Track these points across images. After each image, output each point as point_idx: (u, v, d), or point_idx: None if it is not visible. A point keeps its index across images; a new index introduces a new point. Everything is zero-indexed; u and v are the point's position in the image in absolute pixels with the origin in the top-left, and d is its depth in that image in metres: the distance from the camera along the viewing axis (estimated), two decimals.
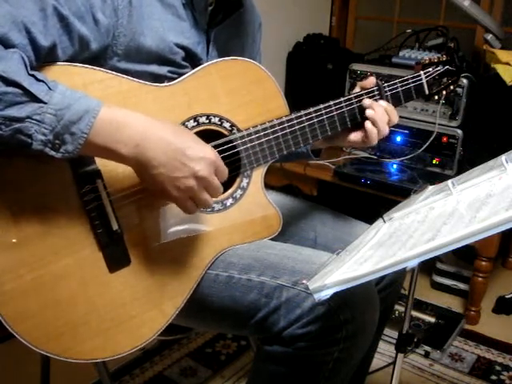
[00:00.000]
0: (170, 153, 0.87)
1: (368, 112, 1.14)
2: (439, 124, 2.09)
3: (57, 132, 0.81)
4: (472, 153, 2.11)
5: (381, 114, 1.13)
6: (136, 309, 0.97)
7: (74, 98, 0.82)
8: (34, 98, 0.80)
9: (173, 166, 0.87)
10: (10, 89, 0.78)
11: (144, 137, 0.86)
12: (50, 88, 0.81)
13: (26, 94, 0.79)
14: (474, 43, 2.63)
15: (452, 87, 1.28)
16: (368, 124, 1.13)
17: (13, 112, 0.79)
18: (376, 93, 1.17)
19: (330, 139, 1.22)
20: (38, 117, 0.80)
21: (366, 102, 1.14)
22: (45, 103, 0.80)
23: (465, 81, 2.00)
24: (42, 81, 0.81)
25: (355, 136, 1.17)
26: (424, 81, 1.22)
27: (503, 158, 0.87)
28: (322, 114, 1.12)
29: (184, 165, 0.88)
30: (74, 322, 0.92)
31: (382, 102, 1.15)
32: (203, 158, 0.89)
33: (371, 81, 1.18)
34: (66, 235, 0.91)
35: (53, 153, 0.82)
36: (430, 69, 1.24)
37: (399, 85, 1.20)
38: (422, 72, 1.22)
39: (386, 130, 1.14)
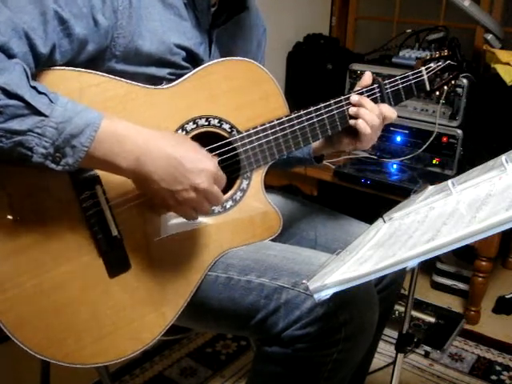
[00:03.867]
0: (170, 166, 0.87)
1: (351, 109, 1.12)
2: (439, 124, 2.09)
3: (57, 145, 0.81)
4: (472, 153, 2.11)
5: (368, 107, 1.11)
6: (136, 313, 0.97)
7: (76, 111, 0.82)
8: (36, 111, 0.79)
9: (173, 180, 0.87)
10: (12, 101, 0.78)
11: (144, 150, 0.86)
12: (51, 101, 0.81)
13: (28, 107, 0.79)
14: (474, 43, 2.63)
15: (453, 82, 1.27)
16: (352, 121, 1.12)
17: (14, 125, 0.78)
18: (377, 90, 1.16)
19: (331, 143, 1.21)
20: (39, 130, 0.79)
21: (353, 98, 1.13)
22: (46, 116, 0.80)
23: (465, 81, 2.00)
24: (44, 93, 0.81)
25: (352, 138, 1.16)
26: (425, 76, 1.21)
27: (503, 158, 0.87)
28: (322, 114, 1.11)
29: (184, 177, 0.87)
30: (75, 328, 0.92)
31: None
32: (203, 170, 0.89)
33: (367, 76, 1.17)
34: (66, 241, 0.91)
35: (53, 166, 0.82)
36: (432, 64, 1.23)
37: (400, 81, 1.18)
38: (423, 68, 1.21)
39: (375, 122, 1.11)
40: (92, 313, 0.93)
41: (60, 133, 0.80)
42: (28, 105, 0.79)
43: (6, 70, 0.78)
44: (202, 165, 0.89)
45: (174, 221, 1.01)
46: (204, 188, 0.89)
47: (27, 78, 0.80)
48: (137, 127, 0.87)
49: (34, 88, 0.80)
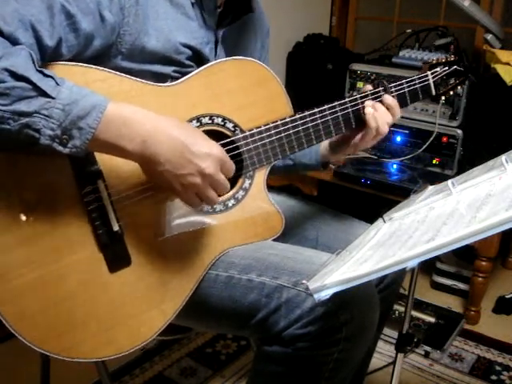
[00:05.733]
0: (177, 149, 0.87)
1: (367, 110, 1.13)
2: (439, 124, 2.09)
3: (64, 127, 0.81)
4: (472, 153, 2.11)
5: (381, 112, 1.13)
6: (136, 309, 0.97)
7: (82, 94, 0.83)
8: (43, 93, 0.80)
9: (178, 163, 0.87)
10: (19, 83, 0.78)
11: (151, 133, 0.86)
12: (57, 83, 0.82)
13: (35, 89, 0.79)
14: (474, 43, 2.63)
15: (459, 87, 1.26)
16: (368, 119, 1.13)
17: (21, 107, 0.79)
18: (382, 93, 1.16)
19: (336, 148, 1.21)
20: (46, 112, 0.80)
21: (368, 102, 1.14)
22: (53, 98, 0.80)
23: None
24: (50, 76, 0.82)
25: (356, 138, 1.16)
26: (431, 81, 1.21)
27: (503, 158, 0.87)
28: (326, 115, 1.11)
29: (190, 161, 0.88)
30: (74, 321, 0.92)
31: (387, 98, 1.14)
32: (210, 154, 0.89)
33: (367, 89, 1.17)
34: (67, 235, 0.91)
35: (60, 148, 0.82)
36: (438, 69, 1.22)
37: (406, 85, 1.18)
38: (429, 72, 1.21)
39: (385, 129, 1.13)
40: (92, 307, 0.93)
41: (67, 114, 0.81)
42: (35, 86, 0.79)
43: (13, 54, 0.79)
44: (209, 149, 0.89)
45: (178, 221, 1.01)
46: (210, 173, 0.89)
47: (33, 61, 0.81)
48: (144, 111, 0.87)
49: (41, 71, 0.81)
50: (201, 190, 0.90)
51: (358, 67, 2.25)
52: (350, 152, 1.21)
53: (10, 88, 0.78)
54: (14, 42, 0.81)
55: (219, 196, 0.95)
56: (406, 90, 1.18)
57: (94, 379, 1.65)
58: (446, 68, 1.23)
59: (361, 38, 3.02)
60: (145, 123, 0.86)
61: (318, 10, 2.91)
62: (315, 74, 2.58)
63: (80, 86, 0.84)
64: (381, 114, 1.13)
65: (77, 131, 0.82)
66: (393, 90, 1.17)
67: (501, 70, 2.08)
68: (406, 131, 2.18)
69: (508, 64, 2.08)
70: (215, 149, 0.91)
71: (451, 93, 1.26)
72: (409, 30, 2.39)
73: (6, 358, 1.76)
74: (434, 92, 1.22)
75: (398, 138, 2.21)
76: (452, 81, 1.24)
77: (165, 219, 1.00)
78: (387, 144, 2.23)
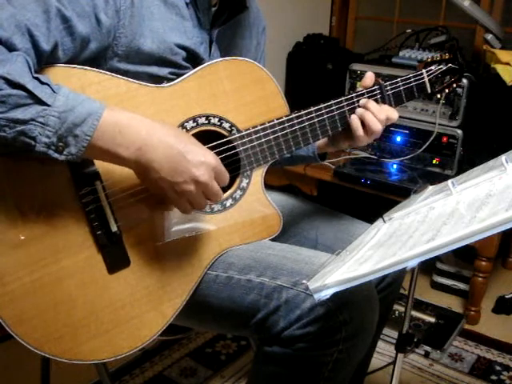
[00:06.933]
0: (171, 156, 0.87)
1: (358, 110, 1.13)
2: (439, 124, 2.09)
3: (60, 134, 0.81)
4: (472, 153, 2.11)
5: (373, 111, 1.13)
6: (135, 310, 0.97)
7: (78, 101, 0.82)
8: (38, 101, 0.80)
9: (173, 170, 0.87)
10: (15, 91, 0.78)
11: (146, 141, 0.86)
12: (53, 91, 0.82)
13: (31, 97, 0.79)
14: (474, 43, 2.63)
15: (455, 85, 1.27)
16: (355, 121, 1.13)
17: (17, 114, 0.79)
18: (377, 92, 1.16)
19: (333, 142, 1.22)
20: (42, 119, 0.80)
21: (361, 101, 1.14)
22: (48, 106, 0.80)
23: (465, 81, 2.00)
24: (46, 83, 0.82)
25: (348, 136, 1.17)
26: (426, 79, 1.22)
27: (503, 158, 0.87)
28: (322, 114, 1.11)
29: (184, 169, 0.88)
30: (73, 323, 0.92)
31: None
32: (204, 162, 0.89)
33: (369, 76, 1.17)
34: (66, 237, 0.91)
35: (56, 155, 0.83)
36: (433, 67, 1.23)
37: (401, 83, 1.19)
38: (424, 70, 1.22)
39: (377, 128, 1.13)
40: (91, 309, 0.93)
41: (62, 122, 0.81)
42: (31, 94, 0.79)
43: (8, 60, 0.79)
44: (203, 157, 0.89)
45: (177, 227, 1.01)
46: (203, 181, 0.89)
47: (29, 68, 0.81)
48: (139, 117, 0.88)
49: (37, 78, 0.81)
50: (193, 197, 0.90)
51: (357, 67, 2.25)
52: (348, 147, 1.22)
53: (5, 96, 0.78)
54: (10, 47, 0.81)
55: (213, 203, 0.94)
56: (402, 88, 1.19)
57: (94, 379, 1.65)
58: (441, 66, 1.23)
59: (361, 38, 3.01)
60: (140, 130, 0.86)
61: (318, 10, 2.91)
62: (315, 74, 2.58)
63: (76, 91, 0.84)
64: (371, 114, 1.12)
65: (72, 139, 0.82)
66: (388, 88, 1.17)
67: (501, 70, 2.08)
68: (406, 131, 2.18)
69: (508, 64, 2.08)
70: (210, 157, 0.91)
71: (447, 90, 1.26)
72: (409, 30, 2.39)
73: (5, 358, 1.76)
74: (429, 90, 1.23)
75: (398, 138, 2.21)
76: (447, 78, 1.25)
77: (163, 225, 1.00)
78: (387, 144, 2.23)
